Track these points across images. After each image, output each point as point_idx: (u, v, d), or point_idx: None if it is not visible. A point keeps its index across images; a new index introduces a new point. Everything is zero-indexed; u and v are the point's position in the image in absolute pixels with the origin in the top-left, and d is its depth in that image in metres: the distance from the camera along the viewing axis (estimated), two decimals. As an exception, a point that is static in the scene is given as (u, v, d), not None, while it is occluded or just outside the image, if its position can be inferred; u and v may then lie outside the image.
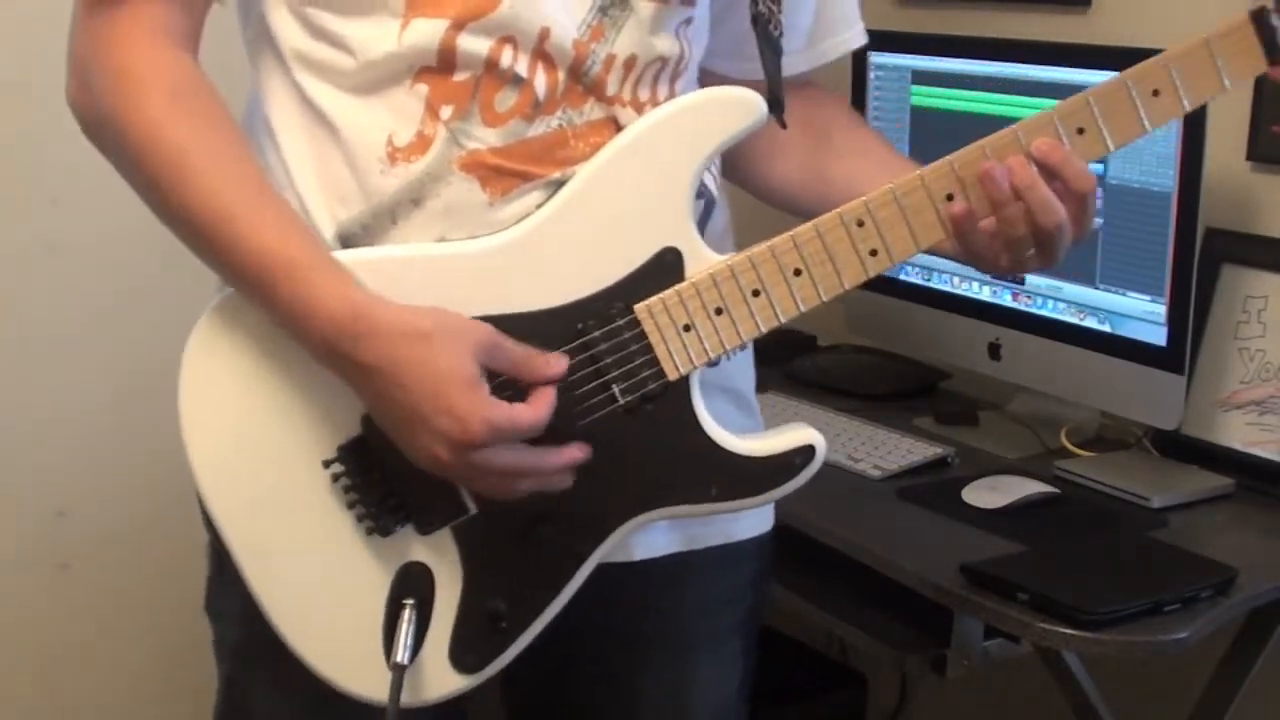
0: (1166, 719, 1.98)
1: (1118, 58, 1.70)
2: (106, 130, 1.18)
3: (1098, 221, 1.94)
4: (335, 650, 1.24)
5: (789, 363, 2.41)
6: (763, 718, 2.30)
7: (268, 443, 1.22)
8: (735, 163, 1.39)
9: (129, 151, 1.17)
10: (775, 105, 1.28)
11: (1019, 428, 2.11)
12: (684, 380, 1.23)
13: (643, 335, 1.21)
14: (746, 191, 1.46)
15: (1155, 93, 1.20)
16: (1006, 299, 2.10)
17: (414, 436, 1.15)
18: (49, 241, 2.20)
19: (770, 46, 1.33)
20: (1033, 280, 2.06)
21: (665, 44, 1.26)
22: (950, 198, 1.22)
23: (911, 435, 2.04)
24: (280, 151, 1.24)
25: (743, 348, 1.25)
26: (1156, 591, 1.56)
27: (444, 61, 1.19)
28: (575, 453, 1.19)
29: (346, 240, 1.22)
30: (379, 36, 1.19)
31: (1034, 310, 2.07)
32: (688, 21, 1.28)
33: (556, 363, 1.18)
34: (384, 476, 1.21)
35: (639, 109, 1.25)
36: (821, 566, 1.82)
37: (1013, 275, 1.28)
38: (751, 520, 1.40)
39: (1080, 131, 1.22)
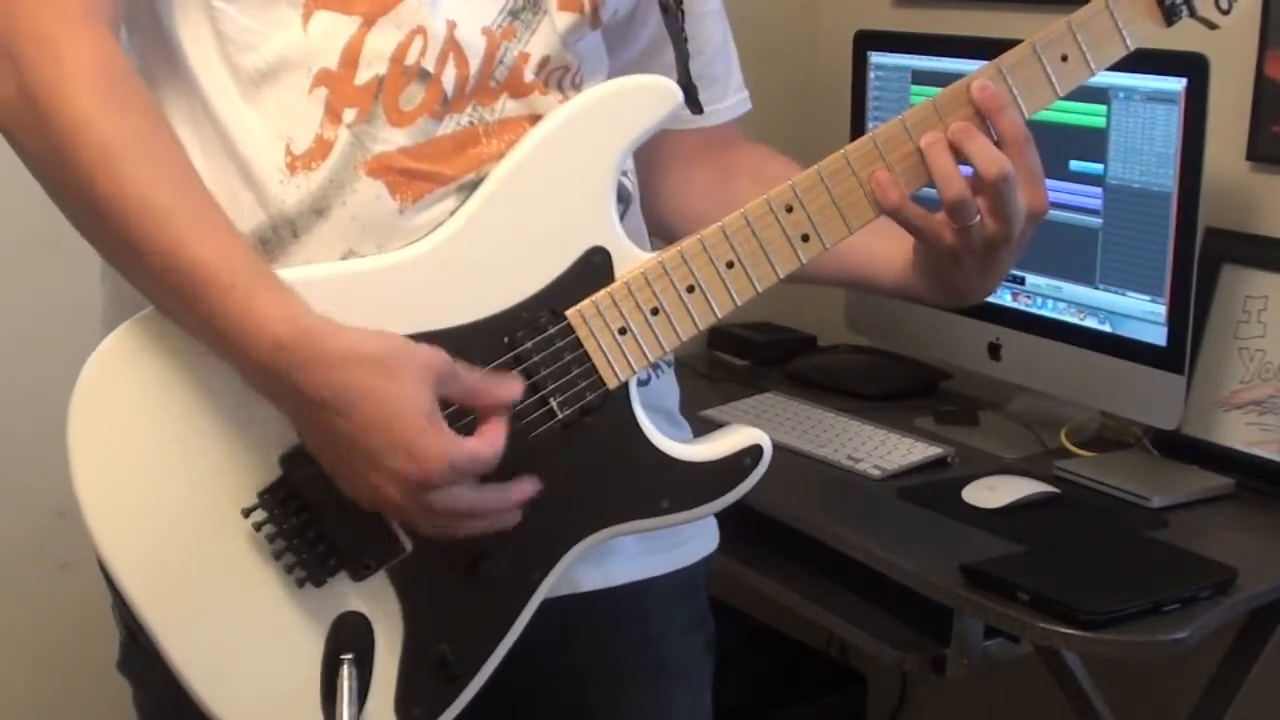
0: (1166, 719, 1.98)
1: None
2: (22, 107, 1.05)
3: (1097, 221, 1.95)
4: None
5: (789, 363, 2.41)
6: (762, 718, 2.32)
7: (176, 495, 1.10)
8: (644, 196, 1.30)
9: (51, 133, 1.04)
10: (687, 94, 1.23)
11: (1019, 428, 2.10)
12: (623, 388, 1.16)
13: (577, 343, 1.14)
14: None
15: (1064, 58, 1.19)
16: (1006, 299, 2.10)
17: (360, 475, 1.05)
18: (49, 240, 2.19)
19: (676, 36, 1.28)
20: (1033, 280, 2.06)
21: (570, 55, 1.20)
22: None
23: (911, 435, 2.04)
24: None
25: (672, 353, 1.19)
26: (1156, 591, 1.56)
27: (346, 61, 1.12)
28: (527, 488, 1.10)
29: None
30: (279, 26, 1.11)
31: (1034, 310, 2.07)
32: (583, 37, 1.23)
33: (512, 385, 1.09)
34: (311, 520, 1.11)
35: (559, 100, 1.19)
36: (821, 566, 1.82)
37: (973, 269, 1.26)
38: (702, 540, 1.34)
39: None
